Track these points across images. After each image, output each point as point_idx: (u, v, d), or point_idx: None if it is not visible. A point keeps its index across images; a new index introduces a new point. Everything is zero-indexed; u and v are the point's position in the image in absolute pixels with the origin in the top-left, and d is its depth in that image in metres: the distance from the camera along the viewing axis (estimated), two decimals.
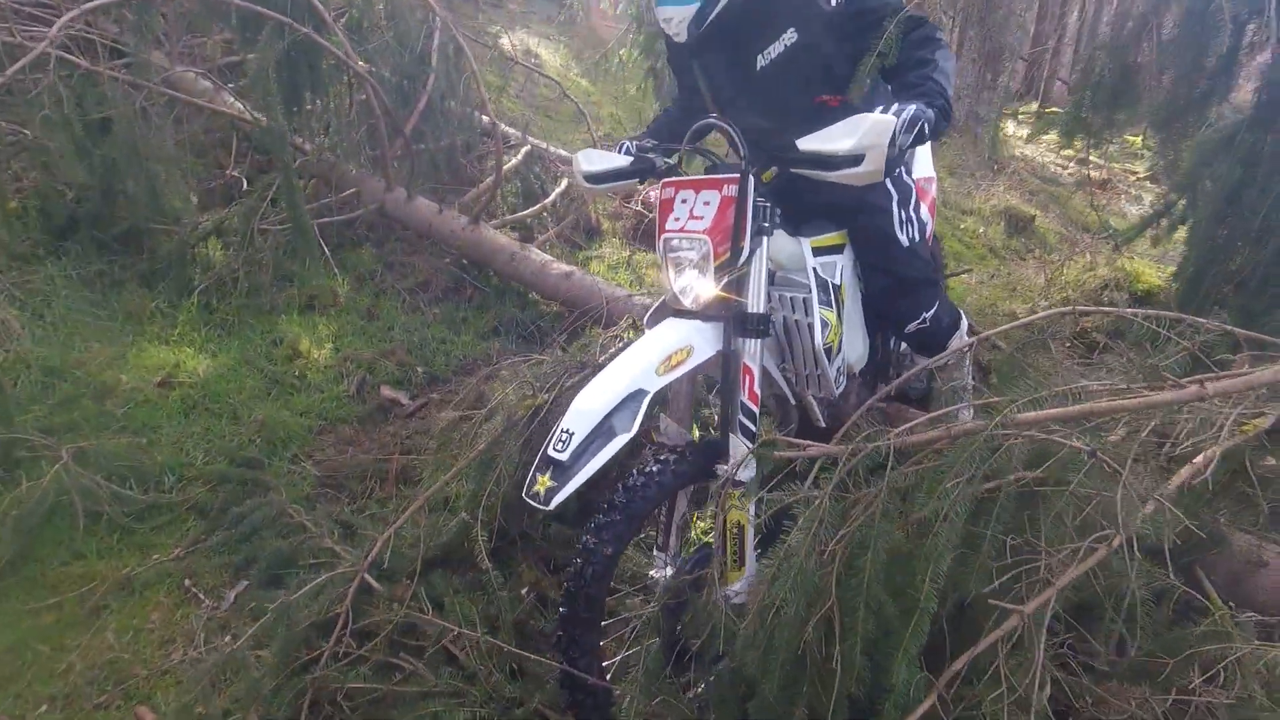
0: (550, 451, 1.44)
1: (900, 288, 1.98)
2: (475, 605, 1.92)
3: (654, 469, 1.58)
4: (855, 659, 1.16)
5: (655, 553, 1.81)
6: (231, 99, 3.94)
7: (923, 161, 2.60)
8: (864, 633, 1.17)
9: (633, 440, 1.46)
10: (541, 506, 1.40)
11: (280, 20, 2.97)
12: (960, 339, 2.18)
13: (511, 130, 4.93)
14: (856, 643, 1.17)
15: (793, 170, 1.57)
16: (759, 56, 1.78)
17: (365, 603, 1.88)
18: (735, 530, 1.60)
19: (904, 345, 2.36)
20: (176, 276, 3.31)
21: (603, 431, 1.43)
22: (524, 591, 2.04)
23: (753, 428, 1.61)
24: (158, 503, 2.32)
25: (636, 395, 1.47)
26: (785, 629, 1.24)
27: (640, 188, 1.96)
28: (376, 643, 1.75)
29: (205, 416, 2.71)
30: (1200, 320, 1.38)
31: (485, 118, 4.12)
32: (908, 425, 1.34)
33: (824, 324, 1.80)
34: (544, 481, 1.42)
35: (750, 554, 1.64)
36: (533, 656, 1.76)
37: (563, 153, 4.88)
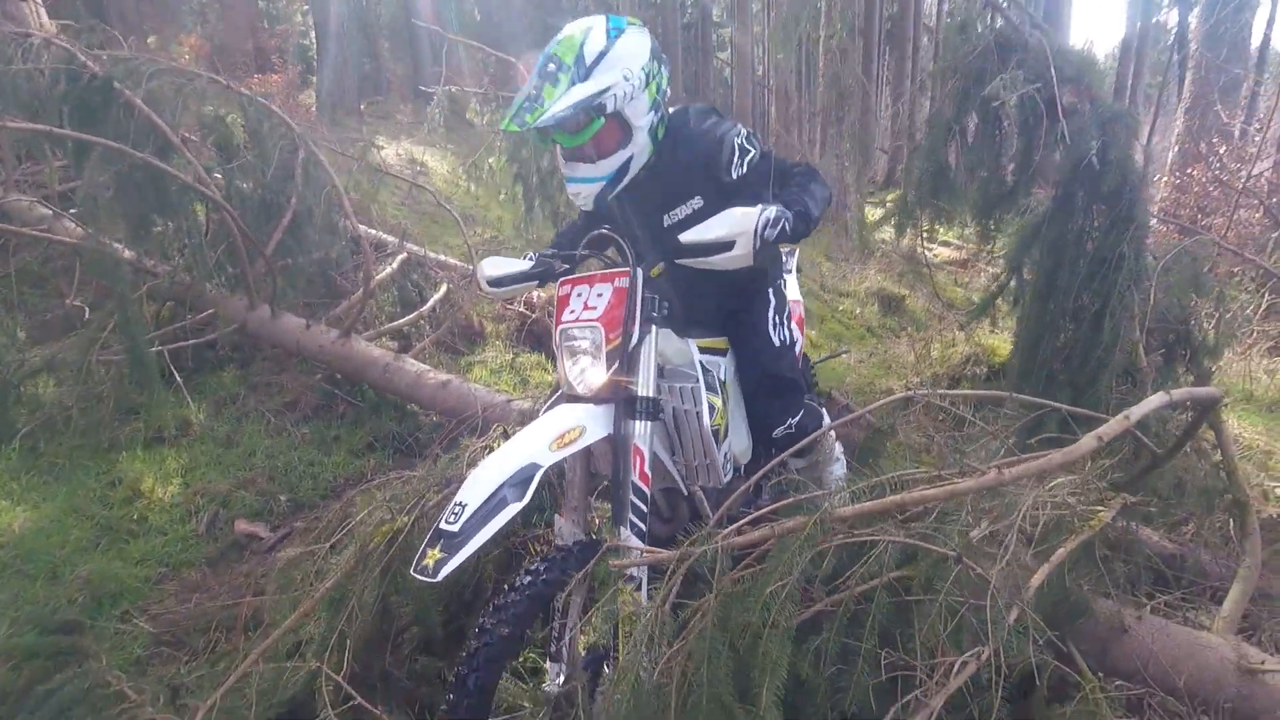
0: (442, 525, 1.44)
1: (772, 386, 2.09)
2: None
3: (546, 564, 1.58)
4: None
5: (549, 664, 1.74)
6: (72, 225, 3.72)
7: (791, 287, 2.85)
8: None
9: (523, 510, 1.47)
10: (429, 579, 1.38)
11: (108, 146, 2.86)
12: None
13: (390, 238, 4.90)
14: None
15: (677, 261, 1.72)
16: (665, 216, 1.95)
17: None
18: (626, 629, 1.53)
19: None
20: None
21: (495, 501, 1.45)
22: None
23: (644, 508, 1.65)
24: None
25: (529, 468, 1.50)
26: None
27: (539, 290, 2.04)
28: None
29: (16, 580, 2.37)
30: (1017, 396, 1.45)
31: (358, 228, 4.07)
32: (735, 525, 1.32)
33: (710, 408, 1.90)
34: (433, 555, 1.40)
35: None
36: None
37: (443, 258, 4.88)
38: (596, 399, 1.71)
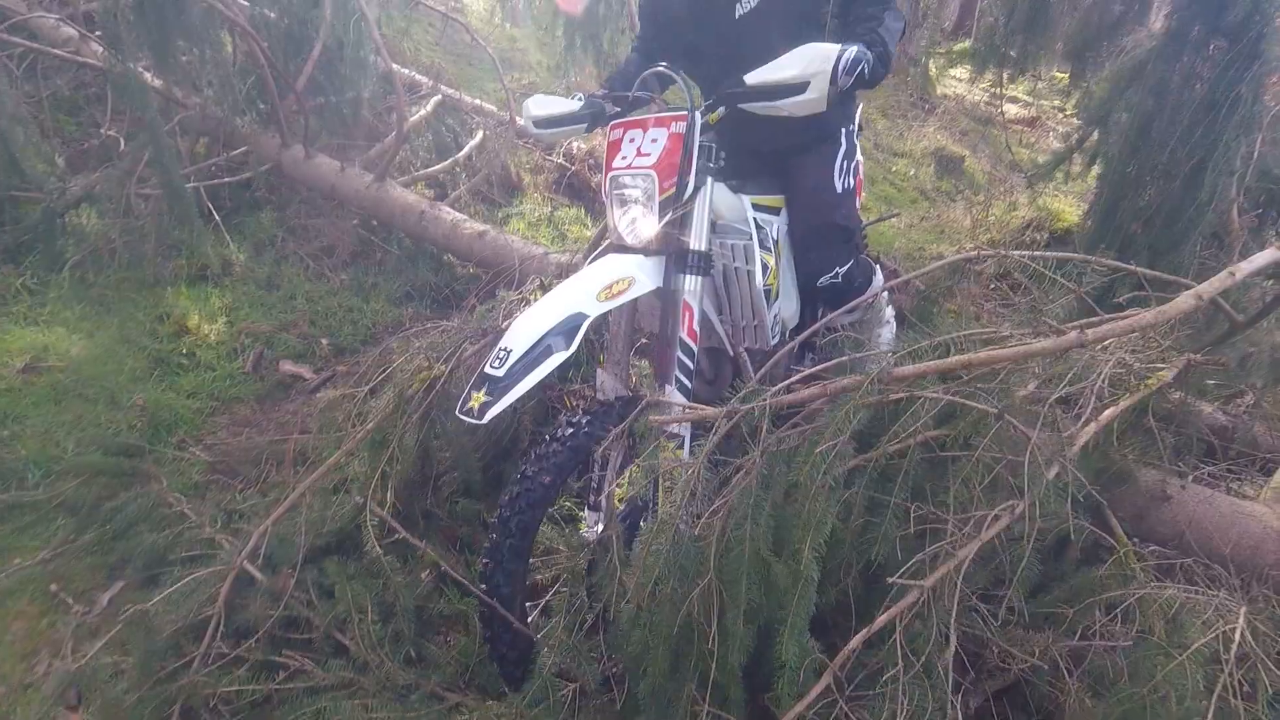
0: (487, 369, 1.44)
1: (824, 233, 1.99)
2: (369, 591, 1.81)
3: (588, 416, 1.59)
4: (738, 634, 1.10)
5: (586, 511, 1.81)
6: (99, 48, 3.55)
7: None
8: (747, 606, 1.10)
9: (569, 359, 1.46)
10: (475, 420, 1.38)
11: None
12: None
13: (424, 79, 4.62)
14: (739, 617, 1.10)
15: (740, 106, 1.59)
16: (737, 5, 1.81)
17: (247, 597, 1.75)
18: (667, 482, 1.55)
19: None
20: (45, 249, 3.03)
21: (540, 349, 1.44)
22: (424, 574, 1.94)
23: (690, 366, 1.62)
24: (20, 501, 2.12)
25: (576, 318, 1.47)
26: (665, 606, 1.17)
27: (586, 135, 1.97)
28: (253, 641, 1.62)
29: (78, 403, 2.48)
30: (1088, 259, 1.32)
31: (390, 65, 3.82)
32: (785, 383, 1.26)
33: (764, 267, 1.84)
34: (478, 398, 1.40)
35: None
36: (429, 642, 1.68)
37: (478, 102, 4.61)
38: (646, 250, 1.65)
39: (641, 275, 1.61)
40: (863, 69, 1.51)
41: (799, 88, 1.47)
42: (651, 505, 1.58)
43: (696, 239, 1.65)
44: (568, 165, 4.41)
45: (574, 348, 1.44)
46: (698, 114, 1.63)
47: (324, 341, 3.01)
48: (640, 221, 1.64)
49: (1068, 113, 7.26)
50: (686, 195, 1.63)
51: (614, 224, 1.69)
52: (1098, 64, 2.51)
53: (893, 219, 4.36)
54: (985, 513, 1.17)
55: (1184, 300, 1.15)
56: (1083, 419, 1.34)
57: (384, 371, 2.53)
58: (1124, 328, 1.15)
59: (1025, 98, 7.30)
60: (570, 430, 1.55)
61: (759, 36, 1.80)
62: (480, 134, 4.19)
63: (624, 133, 1.71)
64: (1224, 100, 2.12)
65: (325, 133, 3.78)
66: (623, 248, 1.69)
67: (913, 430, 1.22)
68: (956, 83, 7.10)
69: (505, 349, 1.45)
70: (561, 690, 1.43)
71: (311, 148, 3.61)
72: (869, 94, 6.82)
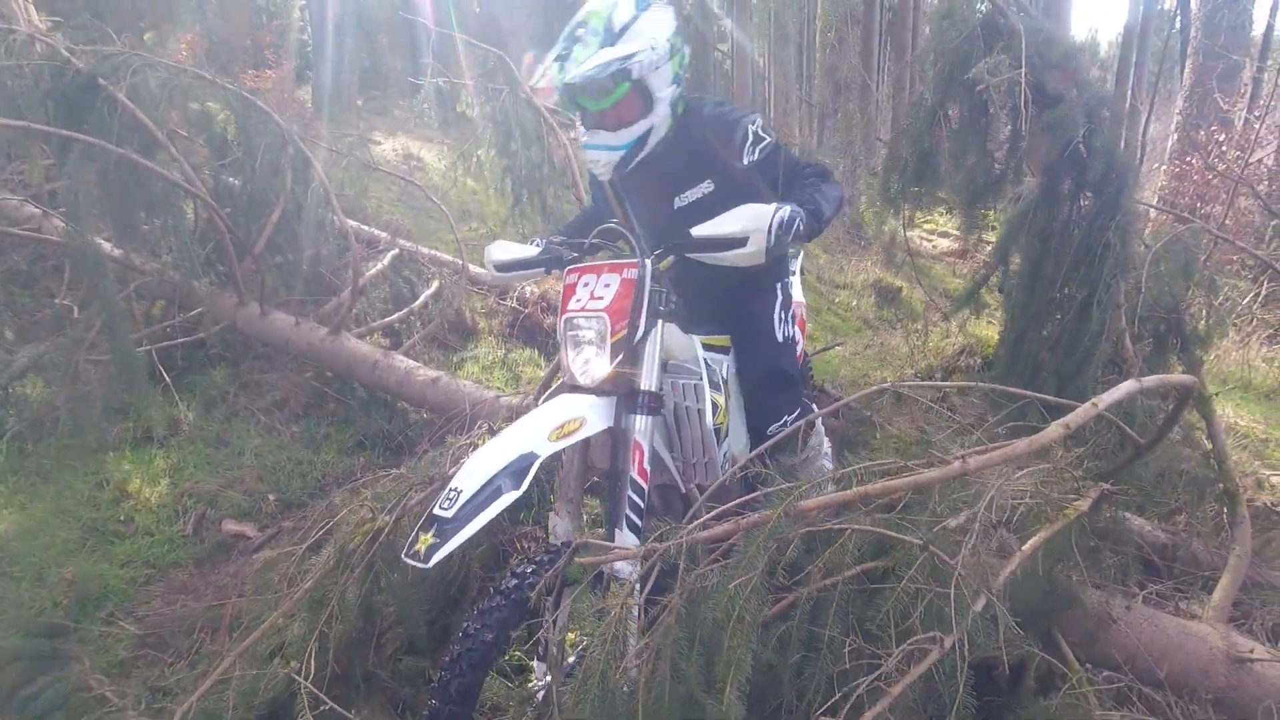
0: (436, 510, 1.43)
1: (773, 382, 2.08)
2: None
3: (533, 566, 1.55)
4: None
5: (537, 663, 1.76)
6: (60, 223, 3.70)
7: (795, 287, 2.82)
8: None
9: (518, 501, 1.46)
10: (420, 564, 1.37)
11: (89, 142, 2.84)
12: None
13: (381, 234, 4.88)
14: None
15: (687, 255, 1.71)
16: (677, 198, 1.95)
17: None
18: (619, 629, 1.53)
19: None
20: None
21: (490, 490, 1.44)
22: None
23: (641, 505, 1.63)
24: None
25: (527, 458, 1.49)
26: None
27: (541, 279, 2.05)
28: None
29: (1, 583, 2.37)
30: (982, 386, 1.43)
31: (346, 224, 4.05)
32: (699, 520, 1.30)
33: (714, 406, 1.90)
34: (425, 539, 1.39)
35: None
36: None
37: (434, 253, 4.85)
38: (598, 390, 1.70)
39: (593, 415, 1.64)
40: (798, 224, 1.64)
41: (740, 241, 1.59)
42: (579, 653, 1.55)
43: (647, 379, 1.70)
44: (521, 309, 4.60)
45: (524, 487, 1.45)
46: (648, 261, 1.73)
47: (270, 497, 2.96)
48: (593, 362, 1.69)
49: (988, 243, 7.93)
50: (638, 337, 1.70)
51: (567, 364, 1.74)
52: (985, 211, 2.81)
53: (837, 347, 4.60)
54: (913, 646, 1.18)
55: (1053, 430, 1.26)
56: (1005, 551, 1.38)
57: (327, 526, 2.50)
58: (1001, 456, 1.24)
59: (955, 231, 7.96)
60: (515, 582, 1.52)
61: (688, 221, 1.92)
62: (436, 283, 4.39)
63: (579, 277, 1.79)
64: (1098, 246, 2.37)
65: (283, 289, 3.91)
66: (575, 387, 1.73)
67: (841, 561, 1.26)
68: (893, 220, 7.76)
69: (455, 489, 1.45)
70: None
71: (268, 305, 3.72)
72: None
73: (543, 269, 1.96)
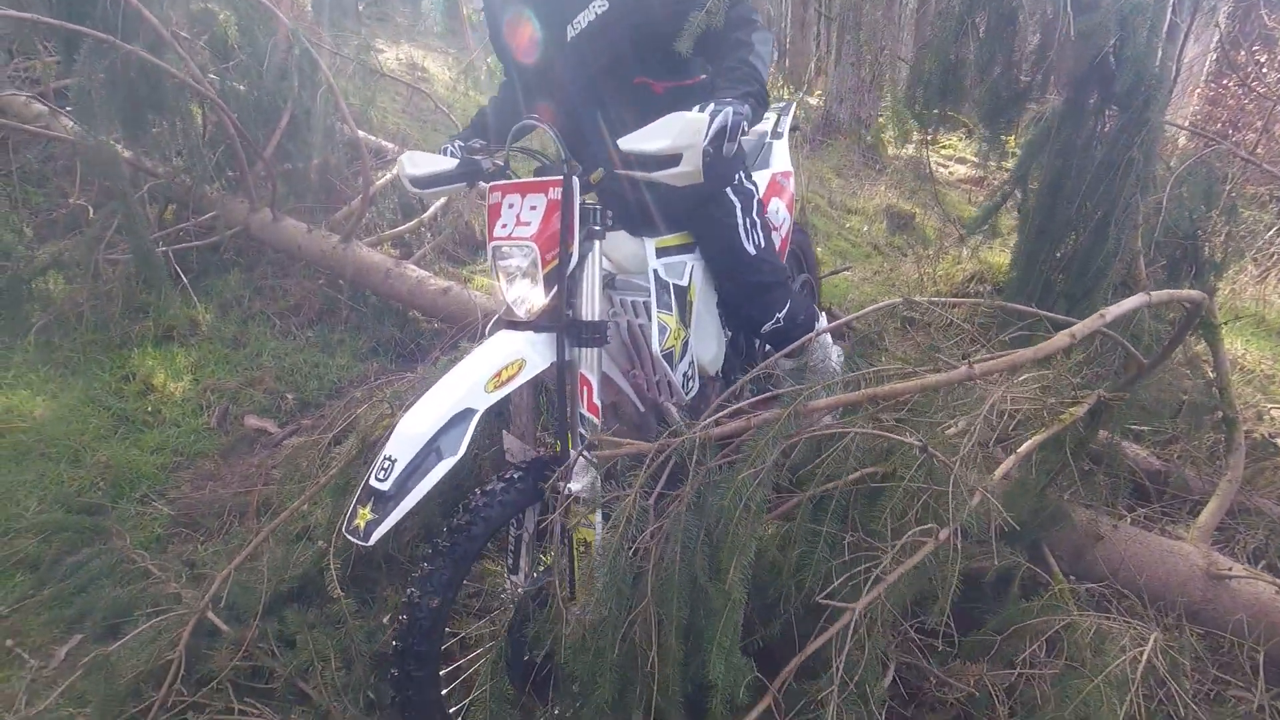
0: (372, 482, 1.35)
1: (750, 293, 1.96)
2: (331, 639, 1.83)
3: (502, 483, 1.51)
4: (671, 652, 1.17)
5: (507, 576, 1.74)
6: (70, 122, 3.67)
7: (780, 156, 2.64)
8: (678, 626, 1.18)
9: (460, 463, 1.38)
10: (361, 542, 1.31)
11: (99, 38, 2.79)
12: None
13: (389, 145, 4.82)
14: (672, 634, 1.18)
15: (617, 171, 1.53)
16: (569, 26, 1.67)
17: (209, 646, 1.77)
18: (582, 547, 1.53)
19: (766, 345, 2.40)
20: (10, 315, 3.07)
21: (428, 456, 1.35)
22: (385, 619, 1.97)
23: (587, 433, 1.54)
24: None
25: (464, 415, 1.39)
26: (608, 629, 1.23)
27: (468, 190, 1.83)
28: (215, 688, 1.64)
29: (40, 462, 2.50)
30: (991, 303, 1.46)
31: (356, 133, 4.00)
32: (713, 418, 1.36)
33: (662, 329, 1.76)
34: (364, 514, 1.33)
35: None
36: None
37: None
38: (536, 325, 1.56)
39: (533, 354, 1.52)
40: (741, 127, 1.42)
41: (672, 160, 1.37)
42: (568, 571, 1.53)
43: (588, 309, 1.56)
44: None
45: (463, 449, 1.35)
46: (575, 178, 1.52)
47: (289, 396, 3.06)
48: (527, 296, 1.55)
49: (1007, 168, 7.72)
50: (572, 265, 1.53)
51: (501, 296, 1.60)
52: (1009, 128, 2.75)
53: (845, 273, 4.59)
54: (911, 539, 1.24)
55: (1059, 339, 1.30)
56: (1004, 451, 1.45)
57: (348, 420, 2.60)
58: (1008, 363, 1.28)
59: (973, 158, 7.74)
60: (484, 500, 1.48)
61: (592, 63, 1.68)
62: (445, 195, 4.36)
63: (503, 197, 1.60)
64: (1120, 161, 2.33)
65: (293, 197, 3.91)
66: (513, 322, 1.59)
67: (843, 462, 1.31)
68: (908, 145, 7.54)
69: (389, 458, 1.35)
70: None
71: (279, 211, 3.73)
72: (822, 154, 7.20)
73: (463, 182, 1.75)
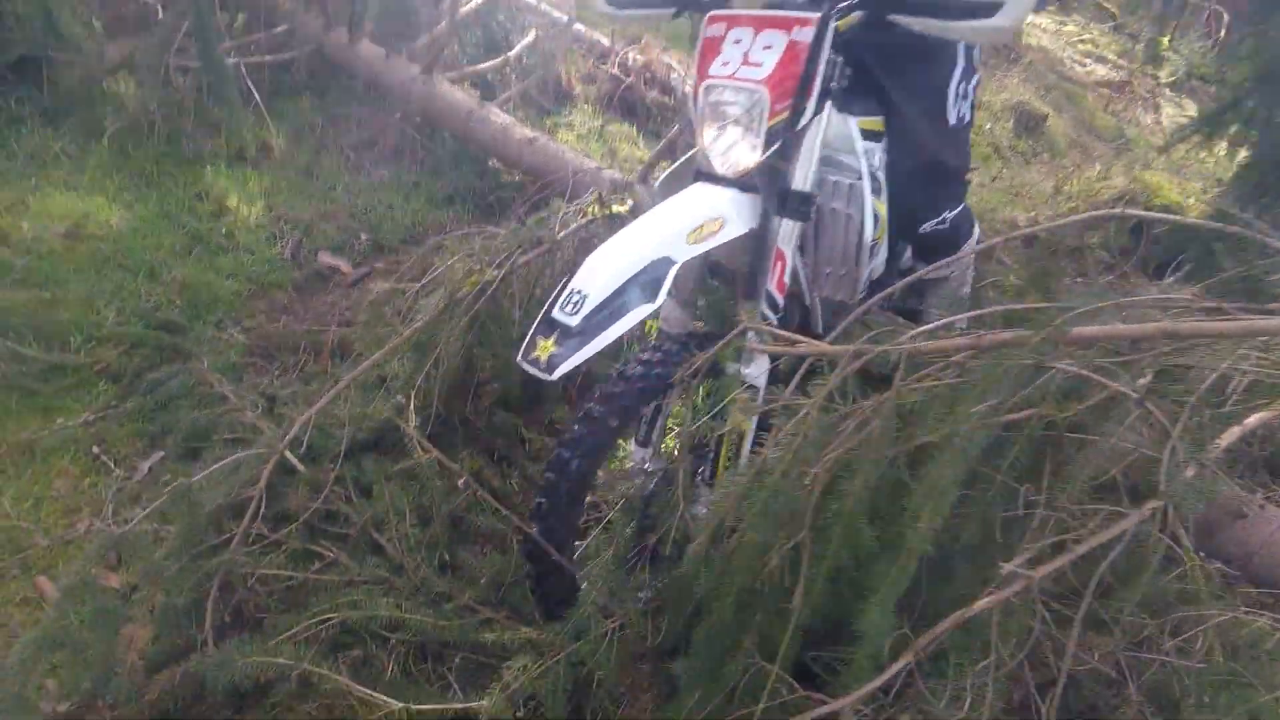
0: (556, 314, 1.25)
1: (931, 175, 1.73)
2: (407, 494, 1.79)
3: (660, 353, 1.42)
4: (817, 593, 1.05)
5: (634, 447, 1.67)
6: None
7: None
8: (833, 568, 1.04)
9: (654, 313, 1.29)
10: (544, 374, 1.22)
11: None
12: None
13: None
14: (820, 576, 1.04)
15: (890, 17, 1.30)
16: None
17: (284, 485, 1.75)
18: (734, 436, 1.45)
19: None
20: (84, 116, 2.94)
21: (623, 298, 1.24)
22: (460, 483, 1.92)
23: (774, 321, 1.43)
24: (63, 364, 2.11)
25: (662, 263, 1.27)
26: (746, 552, 1.11)
27: (671, 21, 1.62)
28: (293, 529, 1.63)
29: (118, 273, 2.44)
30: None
31: None
32: (923, 329, 1.14)
33: (875, 217, 1.57)
34: (546, 346, 1.23)
35: (743, 464, 1.49)
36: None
37: (531, 1, 4.36)
38: (740, 184, 1.40)
39: (735, 214, 1.37)
40: None
41: (988, 7, 1.16)
42: (712, 456, 1.48)
43: (802, 177, 1.40)
44: (622, 77, 4.19)
45: (660, 299, 1.25)
46: (831, 20, 1.30)
47: (363, 236, 2.94)
48: (739, 148, 1.39)
49: (1160, 82, 6.71)
50: (802, 122, 1.35)
51: (703, 145, 1.43)
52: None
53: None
54: (1117, 509, 1.02)
55: None
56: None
57: (428, 271, 2.48)
58: None
59: (1115, 59, 6.79)
60: (640, 369, 1.40)
61: None
62: (533, 33, 3.98)
63: (727, 29, 1.41)
64: None
65: (370, 16, 3.59)
66: (711, 176, 1.44)
67: (1035, 401, 1.08)
68: (1042, 33, 6.64)
69: (579, 292, 1.26)
70: (603, 627, 1.39)
71: (356, 31, 3.44)
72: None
73: (673, 10, 1.57)
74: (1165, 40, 6.78)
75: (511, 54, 3.83)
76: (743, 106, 1.36)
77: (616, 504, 1.59)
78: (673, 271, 1.27)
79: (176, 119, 3.02)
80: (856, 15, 1.34)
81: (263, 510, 1.63)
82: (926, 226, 1.71)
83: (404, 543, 1.70)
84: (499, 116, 3.24)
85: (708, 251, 1.45)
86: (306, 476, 1.76)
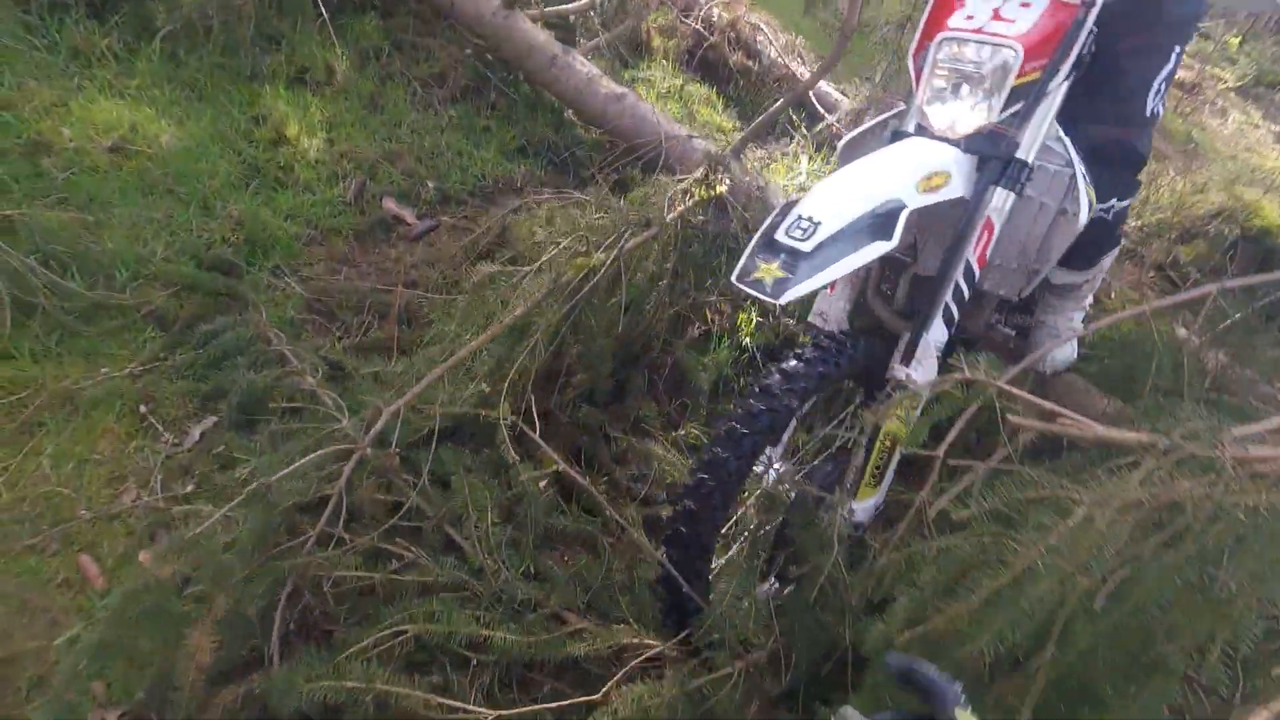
0: (782, 236, 1.19)
1: (1120, 154, 1.60)
2: (489, 491, 1.62)
3: (819, 351, 1.33)
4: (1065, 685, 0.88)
5: (767, 449, 1.55)
6: None
7: None
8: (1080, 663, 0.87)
9: (891, 252, 1.22)
10: (769, 298, 1.15)
11: None
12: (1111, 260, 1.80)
13: None
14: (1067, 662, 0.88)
15: None
16: None
17: (355, 474, 1.56)
18: (886, 443, 1.36)
19: None
20: (134, 9, 2.64)
21: (857, 231, 1.18)
22: (543, 484, 1.74)
23: (966, 296, 1.36)
24: (107, 302, 1.90)
25: (894, 204, 1.22)
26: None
27: None
28: (370, 534, 1.45)
29: (168, 200, 2.21)
30: None
31: None
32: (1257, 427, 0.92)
33: (1088, 204, 1.45)
34: (770, 270, 1.16)
35: (890, 475, 1.41)
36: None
37: None
38: (963, 142, 1.34)
39: (958, 174, 1.31)
40: None
41: None
42: (860, 463, 1.35)
43: (1028, 146, 1.33)
44: (705, 34, 3.88)
45: (895, 238, 1.19)
46: None
47: (430, 185, 2.69)
48: (973, 105, 1.34)
49: (1226, 85, 6.39)
50: (1052, 86, 1.30)
51: (924, 99, 1.38)
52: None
53: None
54: None
55: None
56: None
57: (503, 235, 2.27)
58: None
59: (1188, 58, 6.43)
60: (800, 366, 1.30)
61: None
62: None
63: None
64: None
65: None
66: (929, 133, 1.38)
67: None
68: None
69: (809, 219, 1.19)
70: (729, 667, 1.26)
71: None
72: None
73: None
74: (1235, 41, 6.41)
75: None
76: (986, 63, 1.32)
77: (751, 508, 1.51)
78: (905, 214, 1.21)
79: (235, 26, 2.73)
80: None
81: (343, 511, 1.45)
82: (1095, 209, 1.55)
83: (485, 543, 1.54)
84: (584, 66, 2.95)
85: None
86: (377, 466, 1.58)
